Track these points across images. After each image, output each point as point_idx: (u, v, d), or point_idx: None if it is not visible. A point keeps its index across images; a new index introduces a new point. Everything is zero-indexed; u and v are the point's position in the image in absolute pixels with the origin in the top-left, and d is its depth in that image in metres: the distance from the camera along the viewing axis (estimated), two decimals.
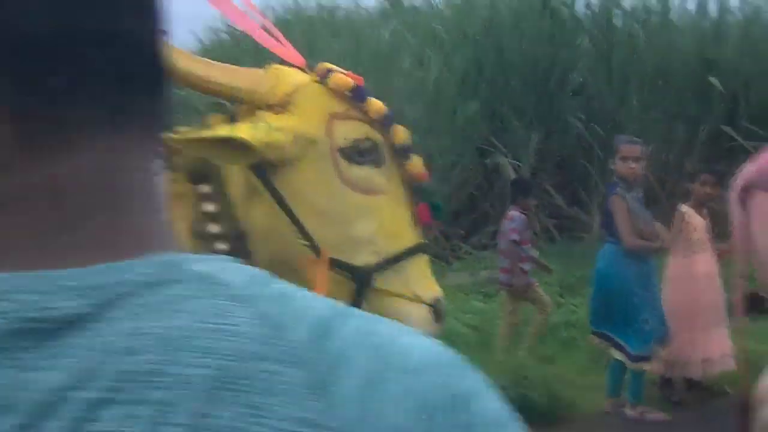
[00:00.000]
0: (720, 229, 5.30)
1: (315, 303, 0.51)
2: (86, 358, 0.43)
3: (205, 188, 2.03)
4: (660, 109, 11.06)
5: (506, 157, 10.83)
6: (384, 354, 0.48)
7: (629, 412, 5.61)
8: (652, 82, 11.08)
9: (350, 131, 2.03)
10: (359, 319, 0.51)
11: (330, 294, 1.87)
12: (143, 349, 0.43)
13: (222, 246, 2.01)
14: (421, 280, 2.10)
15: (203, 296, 0.46)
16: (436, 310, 2.09)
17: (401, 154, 2.12)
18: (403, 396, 0.46)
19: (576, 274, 8.36)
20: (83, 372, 0.42)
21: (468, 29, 11.51)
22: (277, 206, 1.98)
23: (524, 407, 5.29)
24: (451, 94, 10.56)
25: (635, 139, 6.30)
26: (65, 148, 0.47)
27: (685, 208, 5.92)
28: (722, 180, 5.43)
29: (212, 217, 2.03)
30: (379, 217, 2.04)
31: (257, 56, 5.19)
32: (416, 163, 2.14)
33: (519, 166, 10.93)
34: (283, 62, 2.19)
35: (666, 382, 5.97)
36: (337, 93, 2.04)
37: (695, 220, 5.86)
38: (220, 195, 2.03)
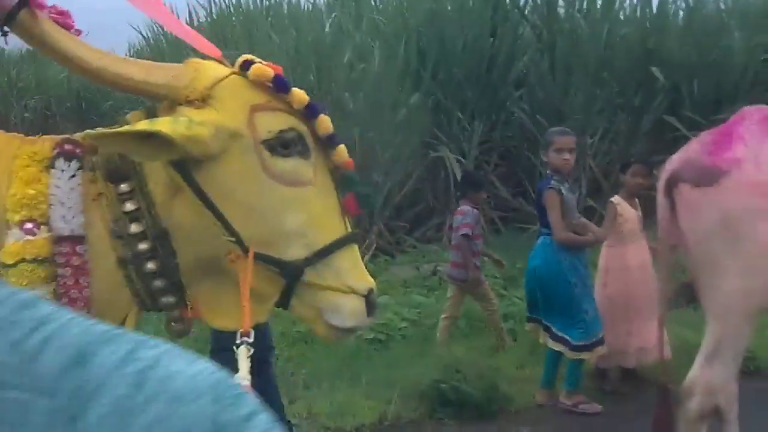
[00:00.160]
0: (653, 219, 5.31)
1: (77, 328, 0.47)
2: None
3: (124, 187, 1.96)
4: (603, 100, 11.09)
5: (449, 149, 10.80)
6: (142, 381, 0.44)
7: (564, 401, 5.60)
8: (595, 73, 11.10)
9: (273, 123, 1.98)
10: (123, 344, 0.47)
11: (261, 291, 1.80)
12: None
13: (143, 246, 1.96)
14: (353, 271, 2.05)
15: None
16: (370, 300, 2.05)
17: (327, 143, 2.07)
18: (155, 425, 0.43)
19: (519, 266, 8.33)
20: None
21: (410, 21, 11.45)
22: (200, 203, 1.93)
23: (458, 401, 5.26)
24: (393, 87, 10.49)
25: (567, 130, 6.28)
26: None
27: (616, 199, 5.92)
28: (655, 170, 5.42)
29: (133, 217, 1.96)
30: (308, 210, 2.00)
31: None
32: (342, 153, 2.10)
33: (463, 159, 10.92)
34: (204, 57, 2.13)
35: (600, 373, 5.96)
36: (258, 84, 1.99)
37: (627, 211, 5.86)
38: (140, 193, 1.96)
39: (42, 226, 1.90)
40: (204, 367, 0.48)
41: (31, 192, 1.90)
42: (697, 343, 3.99)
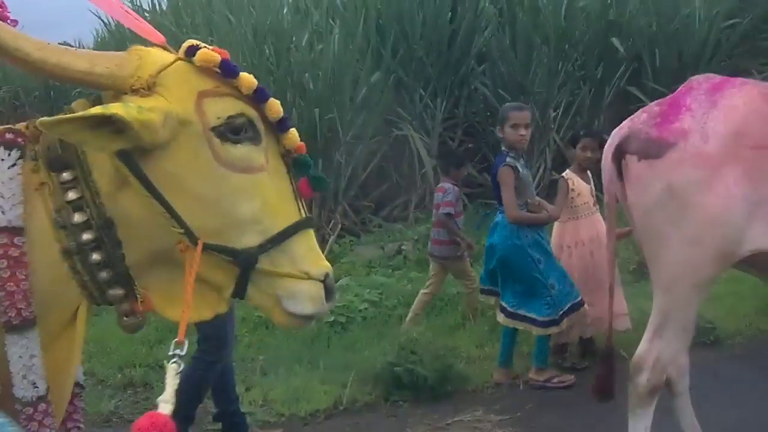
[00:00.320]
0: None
1: None
2: None
3: (66, 175, 1.91)
4: (566, 73, 11.06)
5: (413, 127, 10.75)
6: None
7: (536, 378, 5.60)
8: (556, 46, 11.06)
9: (222, 109, 1.92)
10: None
11: (215, 281, 1.71)
12: None
13: (88, 236, 1.91)
14: (309, 256, 2.00)
15: None
16: (327, 285, 2.00)
17: (278, 128, 2.02)
18: None
19: (484, 243, 8.32)
20: None
21: None
22: (147, 194, 1.87)
23: (412, 383, 5.25)
24: (353, 66, 10.42)
25: (523, 105, 6.25)
26: None
27: (568, 173, 5.91)
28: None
29: (76, 206, 1.90)
30: (261, 196, 1.94)
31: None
32: (293, 137, 2.05)
33: (427, 136, 10.88)
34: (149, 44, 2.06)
35: (560, 348, 5.96)
36: (205, 70, 1.93)
37: (579, 186, 5.85)
38: (84, 182, 1.91)
39: None
40: None
41: None
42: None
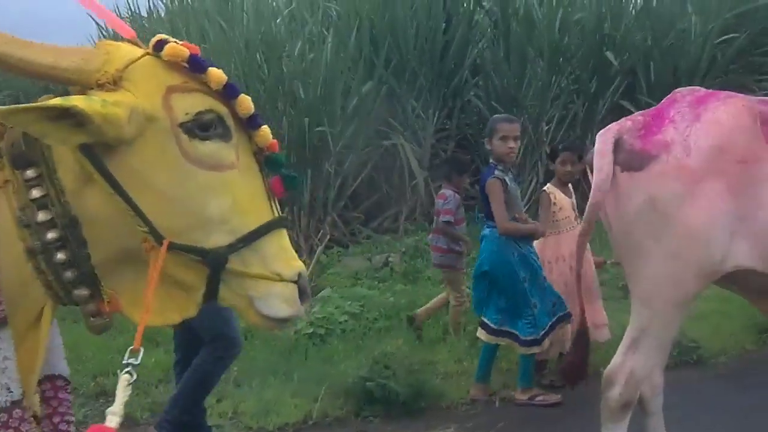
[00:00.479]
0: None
1: None
2: None
3: (30, 173, 1.86)
4: (559, 86, 11.01)
5: (405, 137, 10.69)
6: None
7: (520, 397, 5.54)
8: (550, 59, 11.02)
9: (190, 104, 1.87)
10: None
11: (184, 281, 1.64)
12: None
13: (52, 234, 1.86)
14: (280, 256, 1.94)
15: None
16: (301, 285, 1.94)
17: (249, 125, 1.96)
18: None
19: (475, 256, 8.26)
20: None
21: (362, 8, 11.29)
22: (112, 192, 1.82)
23: (384, 398, 5.17)
24: (345, 75, 10.37)
25: (513, 117, 6.19)
26: None
27: (549, 187, 5.84)
28: (583, 156, 5.34)
29: (40, 204, 1.86)
30: (231, 194, 1.89)
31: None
32: (265, 134, 1.99)
33: (419, 147, 10.82)
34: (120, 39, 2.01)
35: (539, 365, 5.88)
36: (173, 65, 1.88)
37: (561, 200, 5.79)
38: (49, 180, 1.86)
39: None
40: None
41: None
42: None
